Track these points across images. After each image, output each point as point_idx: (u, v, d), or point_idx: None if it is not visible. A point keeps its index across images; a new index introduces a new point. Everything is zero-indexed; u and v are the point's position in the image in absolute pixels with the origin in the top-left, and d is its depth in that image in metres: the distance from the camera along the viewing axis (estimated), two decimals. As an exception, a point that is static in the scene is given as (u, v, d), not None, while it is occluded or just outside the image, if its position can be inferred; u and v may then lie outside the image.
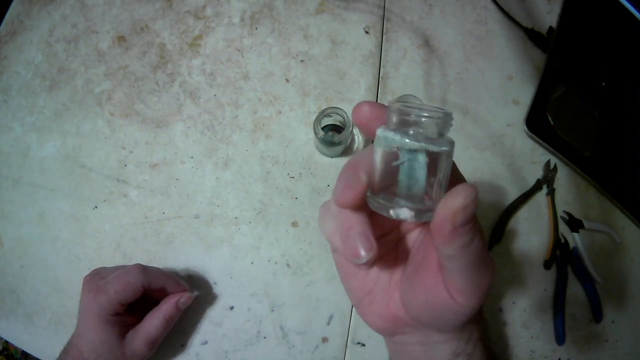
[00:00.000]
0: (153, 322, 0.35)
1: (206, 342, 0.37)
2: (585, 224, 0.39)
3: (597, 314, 0.37)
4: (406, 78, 0.44)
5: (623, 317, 0.38)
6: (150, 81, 0.44)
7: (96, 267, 0.37)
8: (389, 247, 0.23)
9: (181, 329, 0.37)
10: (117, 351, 0.34)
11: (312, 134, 0.42)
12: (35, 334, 0.37)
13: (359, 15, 0.46)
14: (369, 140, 0.42)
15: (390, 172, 0.17)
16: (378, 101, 0.43)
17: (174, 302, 0.35)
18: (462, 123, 0.42)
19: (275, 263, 0.38)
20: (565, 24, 0.42)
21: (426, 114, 0.17)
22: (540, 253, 0.39)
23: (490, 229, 0.39)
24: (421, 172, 0.17)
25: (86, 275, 0.36)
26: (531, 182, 0.41)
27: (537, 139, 0.41)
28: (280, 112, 0.43)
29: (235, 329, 0.37)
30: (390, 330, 0.23)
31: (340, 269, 0.23)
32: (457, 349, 0.23)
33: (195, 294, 0.37)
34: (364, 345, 0.36)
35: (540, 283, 0.38)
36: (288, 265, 0.38)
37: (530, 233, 0.39)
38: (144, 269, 0.35)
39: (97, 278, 0.35)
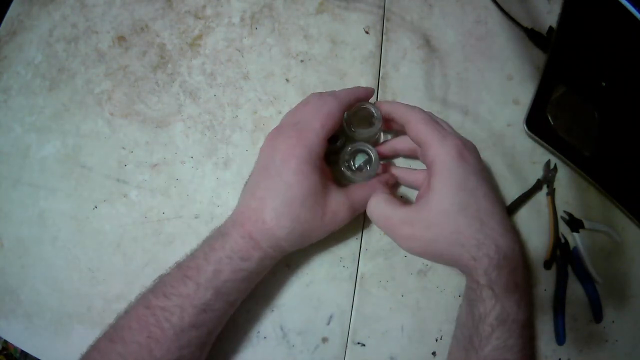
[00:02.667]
0: (361, 191, 0.33)
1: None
2: (586, 223, 0.39)
3: (597, 314, 0.37)
4: (406, 78, 0.44)
5: (623, 317, 0.38)
6: (150, 81, 0.44)
7: (96, 265, 0.36)
8: None
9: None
10: (319, 209, 0.30)
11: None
12: (35, 334, 0.37)
13: (359, 15, 0.46)
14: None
15: None
16: (378, 101, 0.43)
17: (383, 182, 0.35)
18: (462, 123, 0.42)
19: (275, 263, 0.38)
20: (565, 24, 0.43)
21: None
22: (540, 253, 0.39)
23: (490, 229, 0.39)
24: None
25: (268, 135, 0.33)
26: (531, 182, 0.41)
27: (537, 139, 0.41)
28: (280, 112, 0.43)
29: (236, 329, 0.37)
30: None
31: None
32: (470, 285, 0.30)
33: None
34: (364, 345, 0.36)
35: (540, 283, 0.38)
36: (288, 265, 0.38)
37: (530, 233, 0.39)
38: (335, 94, 0.33)
39: (286, 128, 0.31)
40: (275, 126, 0.35)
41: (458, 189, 0.30)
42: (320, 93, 0.35)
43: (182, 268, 0.31)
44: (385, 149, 0.38)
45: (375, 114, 0.36)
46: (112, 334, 0.29)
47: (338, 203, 0.31)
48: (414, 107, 0.34)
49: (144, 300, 0.30)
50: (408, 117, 0.33)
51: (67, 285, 0.38)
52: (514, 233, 0.31)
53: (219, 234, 0.31)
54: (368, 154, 0.36)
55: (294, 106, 0.40)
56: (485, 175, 0.32)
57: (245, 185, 0.34)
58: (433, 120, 0.33)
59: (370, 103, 0.37)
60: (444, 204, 0.30)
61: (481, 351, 0.28)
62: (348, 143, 0.37)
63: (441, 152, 0.31)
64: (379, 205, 0.33)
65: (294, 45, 0.45)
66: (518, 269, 0.30)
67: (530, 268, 0.38)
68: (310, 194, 0.30)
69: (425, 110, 0.42)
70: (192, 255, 0.31)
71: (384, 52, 0.45)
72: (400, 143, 0.38)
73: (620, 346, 0.37)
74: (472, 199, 0.30)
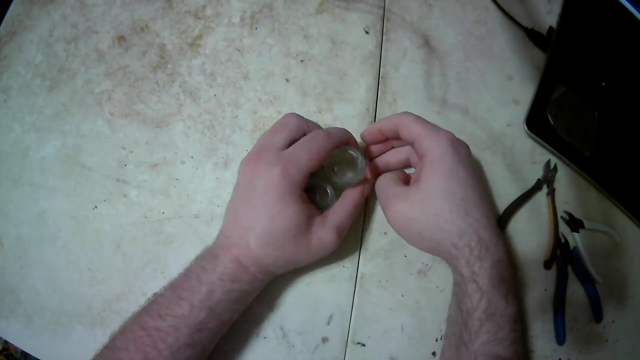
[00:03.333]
0: (343, 209, 0.33)
1: (206, 342, 0.37)
2: (586, 223, 0.39)
3: (597, 314, 0.37)
4: (406, 78, 0.44)
5: (623, 317, 0.38)
6: (150, 81, 0.44)
7: (96, 265, 0.36)
8: None
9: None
10: (303, 238, 0.31)
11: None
12: (35, 334, 0.37)
13: (359, 15, 0.46)
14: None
15: None
16: (378, 102, 0.43)
17: (360, 191, 0.35)
18: (462, 123, 0.42)
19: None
20: (565, 24, 0.43)
21: None
22: (540, 253, 0.39)
23: (490, 229, 0.39)
24: None
25: (247, 157, 0.32)
26: (531, 182, 0.41)
27: (537, 139, 0.41)
28: (280, 112, 0.43)
29: (235, 329, 0.36)
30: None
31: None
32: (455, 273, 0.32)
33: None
34: (364, 345, 0.36)
35: (540, 283, 0.38)
36: (288, 265, 0.38)
37: (530, 233, 0.39)
38: (328, 132, 0.32)
39: (269, 155, 0.31)
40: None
41: (447, 177, 0.31)
42: (324, 130, 0.33)
43: (176, 289, 0.31)
44: (378, 164, 0.39)
45: (359, 159, 0.35)
46: (110, 356, 0.30)
47: (323, 229, 0.32)
48: (403, 112, 0.35)
49: (139, 321, 0.30)
50: (399, 121, 0.34)
51: (67, 285, 0.38)
52: (499, 229, 0.32)
53: (210, 256, 0.31)
54: (324, 189, 0.36)
55: (291, 105, 0.41)
56: (476, 170, 0.34)
57: (229, 204, 0.34)
58: (421, 118, 0.34)
59: (354, 148, 0.35)
60: (431, 189, 0.31)
61: (471, 346, 0.28)
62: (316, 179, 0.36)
63: (434, 143, 0.32)
64: (384, 180, 0.35)
65: (294, 45, 0.45)
66: (502, 262, 0.30)
67: (530, 268, 0.38)
68: (292, 225, 0.30)
69: (425, 109, 0.43)
70: (185, 276, 0.31)
71: (384, 52, 0.45)
72: (391, 156, 0.38)
73: (620, 346, 0.37)
74: (460, 188, 0.31)
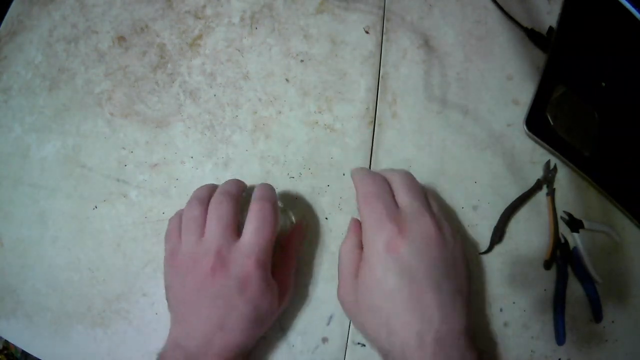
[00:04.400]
0: (288, 276, 0.35)
1: (206, 342, 0.37)
2: (586, 224, 0.39)
3: (597, 314, 0.37)
4: (406, 78, 0.44)
5: (623, 317, 0.38)
6: (150, 81, 0.44)
7: (96, 265, 0.35)
8: None
9: (181, 329, 0.37)
10: (273, 316, 0.33)
11: (312, 134, 0.42)
12: (35, 334, 0.37)
13: (359, 15, 0.46)
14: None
15: None
16: (378, 102, 0.43)
17: (297, 235, 0.36)
18: (462, 123, 0.42)
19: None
20: (565, 24, 0.43)
21: None
22: (540, 253, 0.39)
23: (490, 229, 0.39)
24: None
25: (205, 267, 0.30)
26: (531, 182, 0.41)
27: (537, 139, 0.41)
28: (280, 112, 0.43)
29: (235, 329, 0.36)
30: None
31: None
32: None
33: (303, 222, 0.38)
34: (364, 345, 0.36)
35: (540, 283, 0.38)
36: (288, 265, 0.38)
37: (530, 233, 0.39)
38: (271, 202, 0.32)
39: (231, 253, 0.30)
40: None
41: (373, 288, 0.29)
42: (269, 203, 0.32)
43: None
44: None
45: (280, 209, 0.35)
46: None
47: (283, 300, 0.34)
48: (366, 177, 0.32)
49: None
50: (356, 188, 0.32)
51: (67, 285, 0.38)
52: (452, 337, 0.28)
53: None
54: None
55: (291, 105, 0.40)
56: (424, 265, 0.28)
57: (182, 309, 0.31)
58: (377, 198, 0.30)
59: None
60: (361, 296, 0.30)
61: None
62: None
63: (369, 241, 0.30)
64: (343, 252, 0.34)
65: (294, 45, 0.45)
66: None
67: (530, 268, 0.38)
68: (272, 302, 0.32)
69: (425, 109, 0.42)
70: None
71: (384, 52, 0.45)
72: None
73: (620, 346, 0.37)
74: (387, 304, 0.28)
